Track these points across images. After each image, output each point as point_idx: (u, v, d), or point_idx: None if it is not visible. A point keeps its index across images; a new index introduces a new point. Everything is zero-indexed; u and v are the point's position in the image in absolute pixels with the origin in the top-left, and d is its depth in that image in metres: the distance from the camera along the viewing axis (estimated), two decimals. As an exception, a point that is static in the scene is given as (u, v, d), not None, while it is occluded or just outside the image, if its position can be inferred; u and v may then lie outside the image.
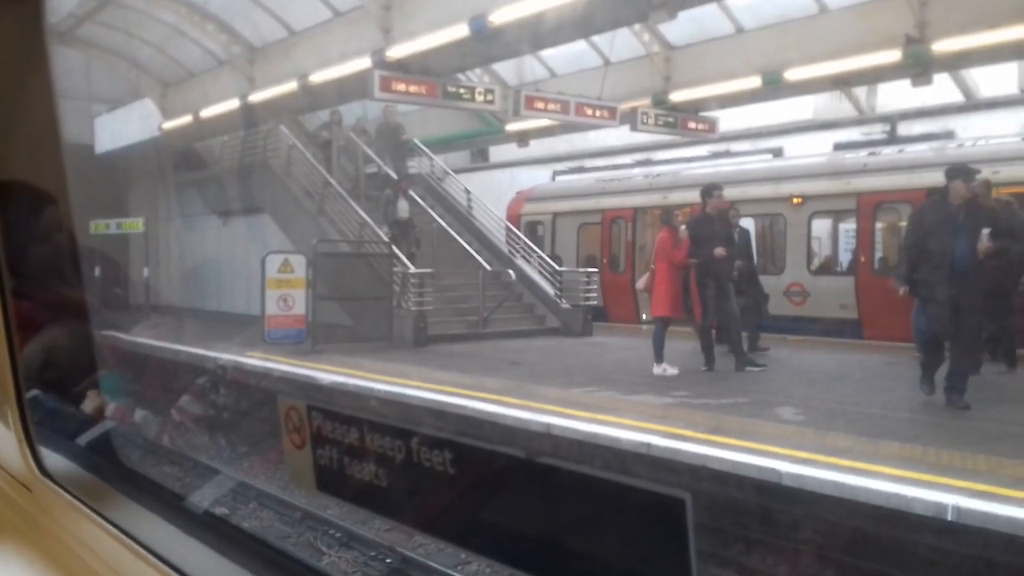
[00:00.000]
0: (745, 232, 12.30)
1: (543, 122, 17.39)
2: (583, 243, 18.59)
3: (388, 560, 6.64)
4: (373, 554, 6.77)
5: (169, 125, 20.09)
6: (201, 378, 11.93)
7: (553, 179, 21.09)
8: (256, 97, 17.70)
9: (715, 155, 18.27)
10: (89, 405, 2.69)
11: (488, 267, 15.80)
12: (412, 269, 14.52)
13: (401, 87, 14.43)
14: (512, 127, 18.78)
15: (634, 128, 16.67)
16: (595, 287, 15.98)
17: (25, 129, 2.71)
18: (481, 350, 13.55)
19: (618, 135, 18.80)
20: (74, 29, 17.82)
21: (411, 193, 16.19)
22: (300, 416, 2.31)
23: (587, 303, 15.88)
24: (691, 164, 18.23)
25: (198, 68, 19.64)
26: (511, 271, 16.15)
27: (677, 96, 16.32)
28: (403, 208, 15.60)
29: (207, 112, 18.88)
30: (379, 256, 15.16)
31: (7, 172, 2.61)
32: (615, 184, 18.49)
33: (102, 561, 1.97)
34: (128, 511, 2.11)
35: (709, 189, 10.97)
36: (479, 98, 15.36)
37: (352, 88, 15.62)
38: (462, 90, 15.25)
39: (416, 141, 19.01)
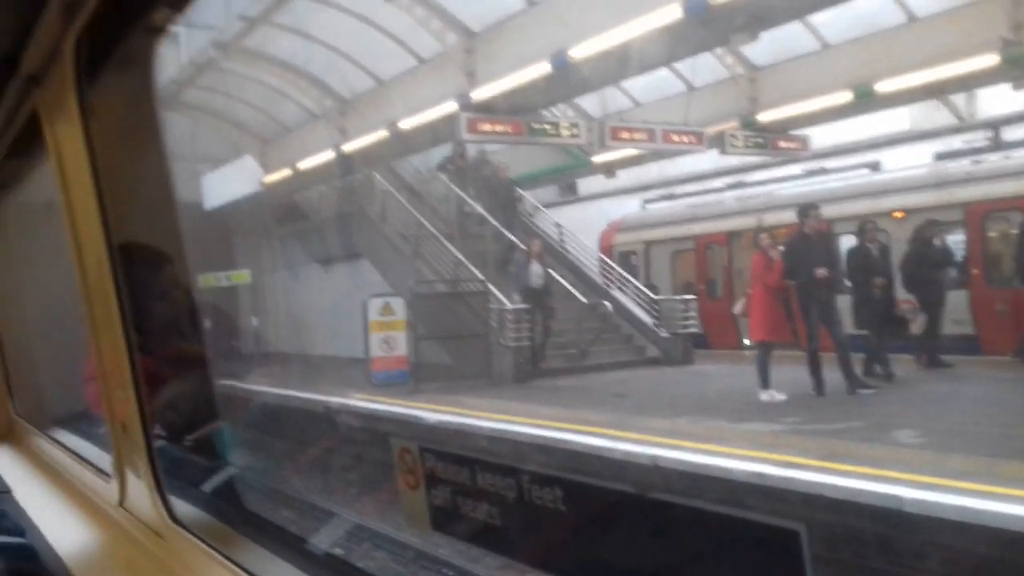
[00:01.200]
0: (884, 248, 11.93)
1: (630, 152, 17.40)
2: (678, 270, 18.39)
3: None
4: None
5: (269, 179, 20.80)
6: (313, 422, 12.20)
7: (643, 208, 20.98)
8: (349, 147, 18.18)
9: (809, 173, 17.89)
10: (212, 453, 2.80)
11: (584, 300, 15.72)
12: (508, 305, 14.54)
13: (487, 127, 14.72)
14: (599, 159, 18.81)
15: (722, 151, 16.56)
16: (693, 314, 15.73)
17: (142, 191, 2.85)
18: (582, 383, 13.50)
19: (708, 159, 18.63)
20: (177, 95, 18.68)
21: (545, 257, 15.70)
22: (413, 457, 2.35)
23: (686, 331, 15.63)
24: (785, 184, 17.88)
25: (294, 123, 20.38)
26: (607, 302, 16.05)
27: (765, 116, 16.10)
28: (537, 274, 14.88)
29: (304, 164, 19.53)
30: (475, 295, 15.28)
31: (129, 234, 2.73)
32: (708, 209, 18.27)
33: None
34: (254, 554, 2.17)
35: (805, 209, 10.77)
36: (565, 133, 15.54)
37: (441, 131, 15.88)
38: (547, 126, 15.45)
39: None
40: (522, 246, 16.21)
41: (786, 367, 10.62)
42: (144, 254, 2.85)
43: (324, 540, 2.70)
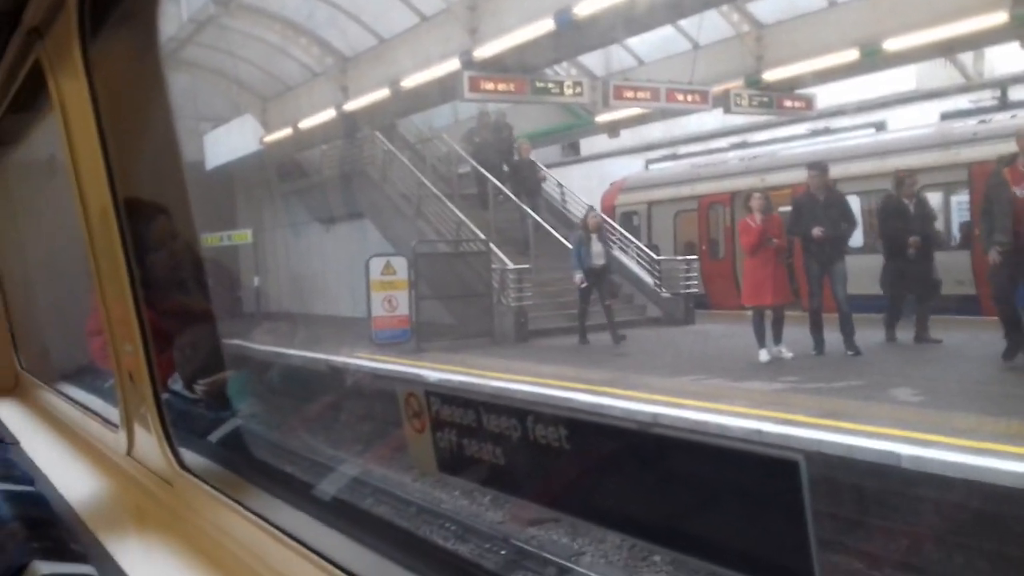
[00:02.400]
0: (923, 203, 11.04)
1: (633, 111, 17.30)
2: (680, 231, 18.38)
3: (503, 552, 6.73)
4: (488, 546, 6.87)
5: (270, 138, 20.74)
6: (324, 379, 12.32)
7: (647, 168, 20.91)
8: (351, 106, 18.11)
9: (814, 133, 17.82)
10: (218, 405, 2.85)
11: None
12: (510, 265, 14.60)
13: (490, 86, 14.62)
14: (602, 118, 18.72)
15: (727, 111, 16.47)
16: (695, 275, 15.78)
17: (147, 144, 2.87)
18: (582, 343, 13.53)
19: (713, 118, 18.54)
20: (177, 52, 18.56)
21: (607, 232, 15.02)
22: (419, 402, 2.40)
23: (688, 291, 15.66)
24: (789, 144, 17.81)
25: (295, 81, 20.25)
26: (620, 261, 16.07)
27: (770, 75, 16.00)
28: (598, 253, 13.83)
29: (305, 123, 19.47)
30: (477, 255, 15.32)
31: (134, 189, 2.76)
32: (711, 169, 18.22)
33: (239, 544, 2.11)
34: (260, 499, 2.22)
35: (811, 167, 10.76)
36: (568, 92, 15.45)
37: (443, 90, 15.79)
38: (550, 85, 15.34)
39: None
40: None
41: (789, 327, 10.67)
42: (150, 208, 2.89)
43: (331, 486, 2.78)
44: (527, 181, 17.34)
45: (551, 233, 16.58)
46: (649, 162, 21.11)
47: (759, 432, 6.79)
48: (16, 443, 3.58)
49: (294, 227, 22.35)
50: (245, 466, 2.57)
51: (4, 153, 4.57)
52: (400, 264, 14.74)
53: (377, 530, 2.37)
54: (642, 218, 19.02)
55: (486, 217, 16.78)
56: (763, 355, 10.35)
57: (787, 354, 10.34)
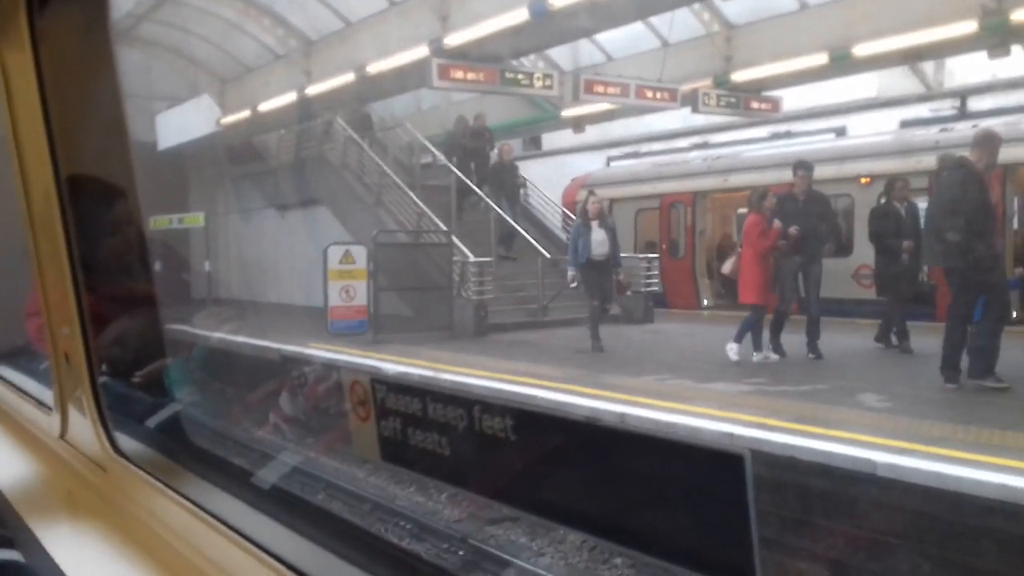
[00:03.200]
0: (913, 208, 10.91)
1: (601, 107, 17.38)
2: (641, 229, 18.51)
3: (460, 552, 6.72)
4: (445, 546, 6.85)
5: (227, 120, 20.53)
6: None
7: (608, 165, 21.04)
8: (313, 89, 17.95)
9: (775, 136, 18.04)
10: (157, 390, 2.83)
11: (547, 255, 15.74)
12: (471, 258, 14.61)
13: (459, 74, 14.57)
14: (568, 112, 18.75)
15: (695, 110, 16.60)
16: (655, 273, 15.90)
17: (93, 123, 2.83)
18: (544, 338, 13.61)
19: (675, 118, 18.71)
20: (133, 28, 18.29)
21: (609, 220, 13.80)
22: (364, 390, 2.40)
23: (648, 289, 15.77)
24: (750, 146, 18.04)
25: (255, 63, 20.08)
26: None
27: (739, 76, 16.13)
28: (600, 242, 12.42)
29: (265, 106, 19.30)
30: (438, 246, 15.30)
31: (78, 167, 2.72)
32: (673, 168, 18.39)
33: (174, 532, 2.10)
34: (198, 487, 2.22)
35: (795, 167, 10.85)
36: (538, 83, 15.47)
37: (410, 77, 15.72)
38: (520, 76, 15.33)
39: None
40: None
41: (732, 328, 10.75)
42: (94, 188, 2.85)
43: (271, 475, 2.76)
44: (507, 185, 17.29)
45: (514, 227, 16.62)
46: (610, 159, 21.22)
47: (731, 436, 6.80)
48: None
49: (247, 212, 22.16)
50: (182, 453, 2.55)
51: None
52: (359, 253, 14.62)
53: (317, 521, 2.36)
54: (603, 215, 19.12)
55: (464, 218, 16.87)
56: (756, 356, 10.36)
57: (773, 357, 10.38)
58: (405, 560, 2.29)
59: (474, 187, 17.38)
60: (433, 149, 18.16)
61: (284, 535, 1.94)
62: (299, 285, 18.64)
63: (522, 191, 18.11)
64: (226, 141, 21.36)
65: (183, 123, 21.19)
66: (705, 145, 19.42)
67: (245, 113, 19.99)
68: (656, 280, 16.05)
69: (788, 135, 17.83)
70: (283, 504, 2.35)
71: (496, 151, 17.89)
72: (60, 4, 2.55)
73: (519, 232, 16.56)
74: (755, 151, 17.47)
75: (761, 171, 15.31)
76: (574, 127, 19.69)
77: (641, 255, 16.57)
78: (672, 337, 13.95)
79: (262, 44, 19.14)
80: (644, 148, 21.15)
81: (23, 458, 2.95)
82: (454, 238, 15.10)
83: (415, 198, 16.44)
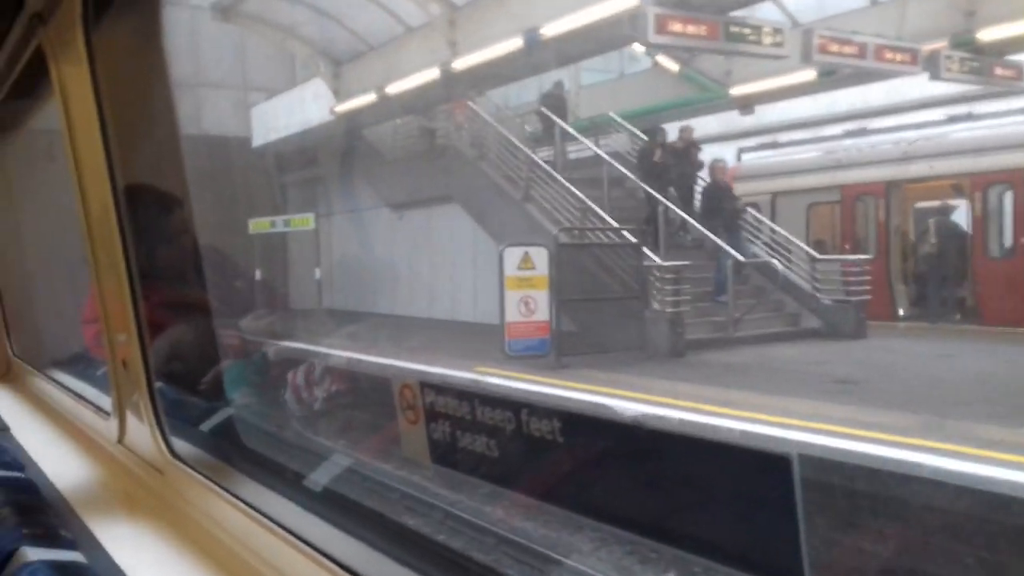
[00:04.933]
0: None
1: (780, 83, 17.29)
2: (814, 226, 18.36)
3: (509, 552, 7.16)
4: (493, 544, 7.31)
5: (343, 107, 21.58)
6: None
7: (739, 158, 20.90)
8: (463, 63, 18.05)
9: (951, 119, 17.63)
10: (214, 396, 3.51)
11: (741, 257, 15.60)
12: (659, 262, 14.66)
13: (678, 27, 14.27)
14: (738, 90, 18.76)
15: (935, 76, 16.19)
16: (866, 278, 15.81)
17: (149, 132, 3.52)
18: (758, 359, 13.30)
19: (816, 104, 18.26)
20: (237, 5, 19.47)
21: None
22: (414, 394, 2.99)
23: (859, 298, 15.65)
24: (949, 128, 17.62)
25: (381, 38, 20.80)
26: (775, 261, 16.16)
27: (986, 35, 15.78)
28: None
29: (395, 88, 19.90)
30: (624, 248, 15.42)
31: (135, 176, 3.39)
32: (857, 155, 18.16)
33: (228, 533, 2.59)
34: (252, 489, 2.71)
35: None
36: (767, 40, 15.11)
37: (606, 36, 15.46)
38: (747, 31, 14.96)
39: (613, 115, 19.81)
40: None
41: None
42: (151, 197, 3.56)
43: (323, 477, 3.32)
44: (724, 212, 17.17)
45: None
46: (742, 151, 21.10)
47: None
48: (6, 429, 4.31)
49: (355, 213, 22.95)
50: (236, 456, 3.09)
51: (4, 139, 5.41)
52: (540, 257, 14.41)
53: (368, 522, 2.85)
54: (764, 210, 19.08)
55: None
56: None
57: None
58: (456, 561, 2.72)
59: (688, 218, 17.30)
60: (638, 180, 18.21)
61: (336, 536, 2.33)
62: (421, 294, 19.44)
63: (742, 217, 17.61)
64: (336, 133, 22.23)
65: (286, 114, 22.25)
66: (862, 132, 19.01)
67: (366, 98, 20.81)
68: (868, 287, 15.90)
69: (969, 118, 17.29)
70: (333, 505, 2.88)
71: (707, 170, 17.95)
72: (115, 18, 3.18)
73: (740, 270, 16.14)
74: (959, 133, 17.04)
75: (976, 156, 15.08)
76: (741, 108, 19.58)
77: (846, 256, 16.60)
78: (921, 358, 13.42)
79: (392, 15, 19.74)
80: (783, 138, 20.83)
81: (83, 462, 3.64)
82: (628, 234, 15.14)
83: (575, 190, 16.77)
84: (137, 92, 3.43)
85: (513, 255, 14.31)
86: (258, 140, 20.63)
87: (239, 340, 4.08)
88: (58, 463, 3.68)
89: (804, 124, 20.73)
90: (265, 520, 2.44)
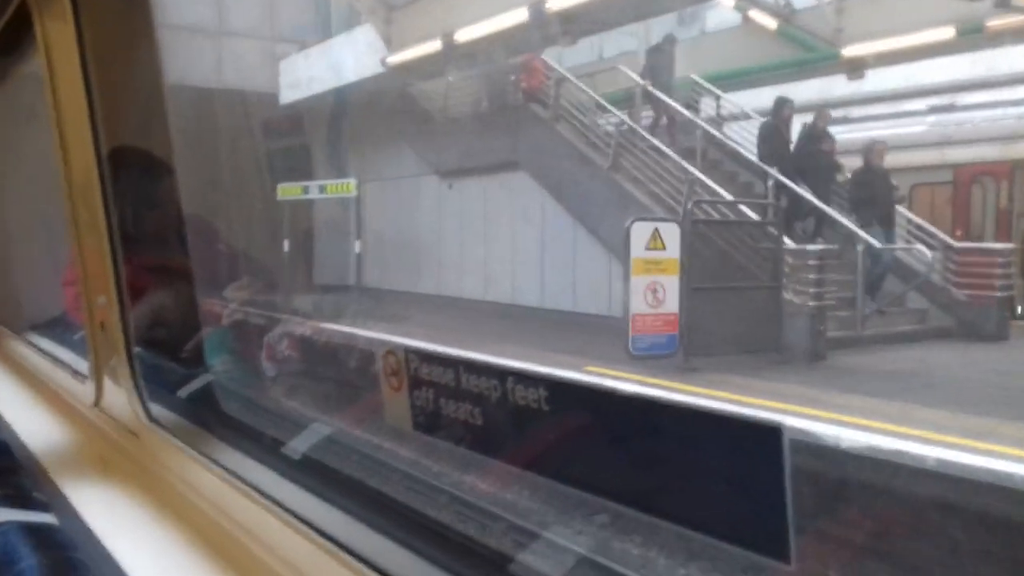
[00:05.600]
0: None
1: (908, 41, 17.41)
2: (917, 211, 18.36)
3: (489, 523, 7.72)
4: (474, 515, 7.89)
5: (397, 59, 21.83)
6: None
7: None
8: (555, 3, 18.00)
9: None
10: (192, 362, 4.10)
11: (876, 243, 15.28)
12: (801, 246, 14.49)
13: None
14: (852, 51, 18.89)
15: None
16: (1011, 270, 15.80)
17: (135, 94, 4.04)
18: (910, 365, 13.06)
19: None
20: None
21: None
22: (397, 360, 3.46)
23: (1003, 293, 15.56)
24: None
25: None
26: (924, 248, 15.85)
27: None
28: None
29: (467, 34, 20.11)
30: (760, 227, 15.37)
31: (119, 139, 3.82)
32: (973, 130, 18.24)
33: (205, 498, 2.96)
34: (231, 456, 3.09)
35: None
36: None
37: None
38: None
39: (696, 78, 19.98)
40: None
41: None
42: (135, 160, 4.11)
43: (302, 445, 3.78)
44: (878, 203, 17.03)
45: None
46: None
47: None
48: None
49: (395, 181, 23.26)
50: (215, 422, 3.54)
51: None
52: (672, 235, 14.05)
53: (348, 488, 3.18)
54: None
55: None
56: None
57: None
58: (437, 529, 2.99)
59: (834, 214, 16.89)
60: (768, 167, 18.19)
61: (315, 504, 2.63)
62: (474, 274, 19.82)
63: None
64: (378, 88, 22.54)
65: (321, 67, 22.46)
66: (951, 108, 18.83)
67: (427, 46, 21.04)
68: (1013, 280, 15.85)
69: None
70: (312, 471, 3.24)
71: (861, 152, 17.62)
72: None
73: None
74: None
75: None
76: (850, 72, 19.59)
77: (983, 245, 16.53)
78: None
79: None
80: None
81: (58, 425, 4.19)
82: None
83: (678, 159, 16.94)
84: (124, 50, 3.89)
85: (641, 232, 13.83)
86: (287, 97, 20.90)
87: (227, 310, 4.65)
88: (33, 426, 4.23)
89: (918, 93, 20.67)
90: (243, 486, 2.80)
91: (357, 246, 21.59)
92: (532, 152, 19.79)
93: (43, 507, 3.20)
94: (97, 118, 3.69)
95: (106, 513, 3.15)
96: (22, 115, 5.95)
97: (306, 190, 20.60)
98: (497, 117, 20.96)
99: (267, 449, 3.41)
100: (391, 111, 23.39)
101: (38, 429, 4.19)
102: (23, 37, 4.30)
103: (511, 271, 20.00)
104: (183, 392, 3.85)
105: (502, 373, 2.82)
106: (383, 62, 22.03)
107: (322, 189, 20.89)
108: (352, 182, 21.11)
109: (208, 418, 3.64)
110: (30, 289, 6.46)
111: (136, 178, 3.96)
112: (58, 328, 5.24)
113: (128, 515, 3.13)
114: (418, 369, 3.33)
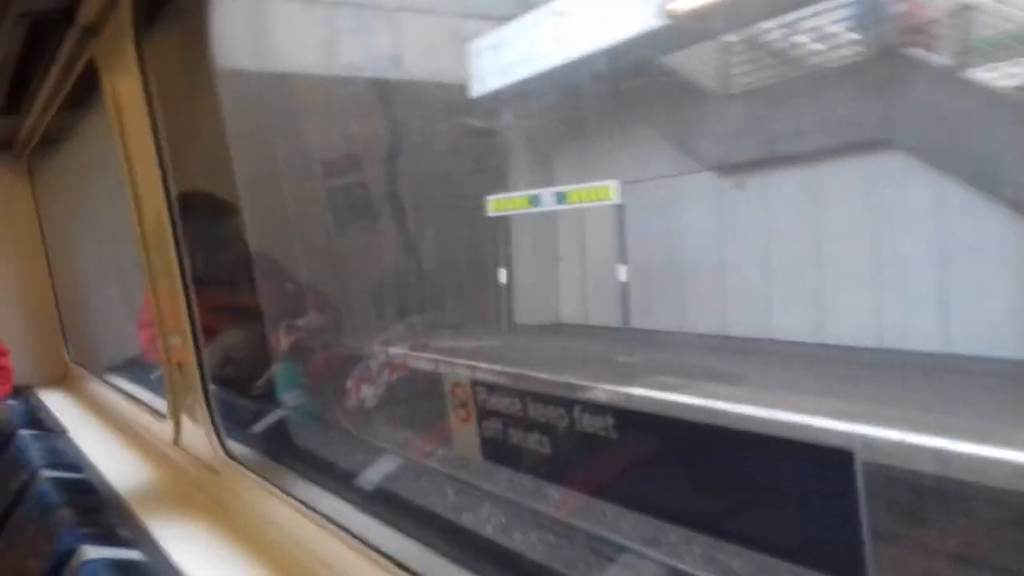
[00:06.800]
0: None
1: None
2: None
3: (565, 549, 7.88)
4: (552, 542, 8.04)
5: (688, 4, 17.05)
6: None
7: None
8: None
9: None
10: (266, 399, 4.27)
11: None
12: None
13: None
14: None
15: None
16: None
17: (201, 140, 4.38)
18: None
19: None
20: None
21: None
22: (465, 392, 3.54)
23: None
24: None
25: None
26: None
27: None
28: None
29: None
30: None
31: (188, 184, 4.43)
32: None
33: (283, 531, 3.26)
34: (306, 489, 3.48)
35: None
36: None
37: None
38: None
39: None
40: None
41: None
42: (203, 204, 4.35)
43: (376, 476, 3.93)
44: None
45: None
46: None
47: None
48: (65, 432, 5.70)
49: (641, 184, 18.62)
50: (292, 457, 4.12)
51: (58, 150, 7.03)
52: None
53: (421, 518, 3.24)
54: None
55: None
56: None
57: None
58: (512, 558, 3.14)
59: None
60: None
61: (390, 535, 2.81)
62: (794, 305, 16.25)
63: None
64: (620, 63, 17.43)
65: (530, 46, 18.17)
66: None
67: None
68: None
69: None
70: (387, 503, 3.54)
71: None
72: (165, 27, 4.29)
73: None
74: None
75: None
76: None
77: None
78: None
79: None
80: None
81: (140, 463, 5.01)
82: None
83: None
84: (187, 98, 4.38)
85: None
86: (480, 87, 16.74)
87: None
88: (115, 464, 4.94)
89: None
90: (319, 518, 3.06)
91: (623, 273, 18.02)
92: (919, 121, 15.17)
93: (129, 544, 3.46)
94: (166, 165, 4.11)
95: (189, 548, 3.39)
96: (92, 167, 6.17)
97: (535, 200, 16.84)
98: (841, 77, 16.33)
99: (342, 481, 3.76)
100: (634, 90, 18.69)
101: (120, 468, 4.87)
102: (93, 92, 4.87)
103: (873, 299, 15.28)
104: (258, 427, 4.07)
105: (568, 402, 2.95)
106: (665, 11, 16.25)
107: (561, 198, 17.04)
108: (610, 185, 16.77)
109: (284, 454, 4.06)
110: (106, 333, 6.69)
111: (205, 221, 4.19)
112: (134, 369, 5.57)
113: (210, 550, 3.37)
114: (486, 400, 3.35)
